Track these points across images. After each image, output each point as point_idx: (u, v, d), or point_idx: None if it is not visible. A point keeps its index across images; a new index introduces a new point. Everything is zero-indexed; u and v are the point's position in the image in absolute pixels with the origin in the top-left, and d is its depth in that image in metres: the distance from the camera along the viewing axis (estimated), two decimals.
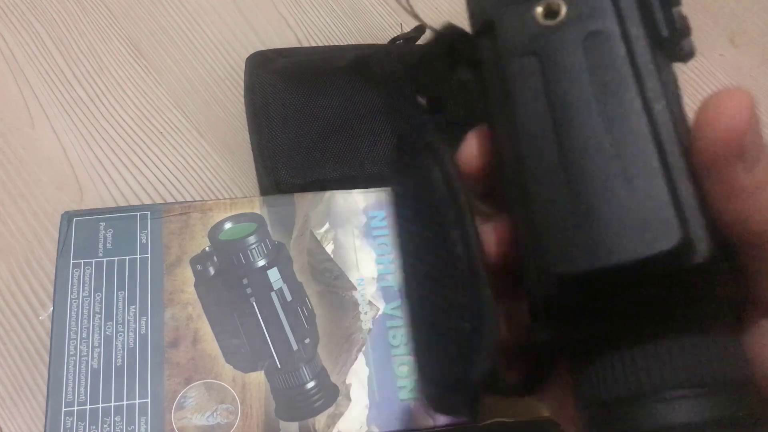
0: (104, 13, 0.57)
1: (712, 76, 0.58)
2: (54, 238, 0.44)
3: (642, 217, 0.17)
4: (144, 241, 0.42)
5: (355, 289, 0.41)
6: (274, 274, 0.42)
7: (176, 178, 0.50)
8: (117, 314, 0.40)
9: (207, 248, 0.42)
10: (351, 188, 0.44)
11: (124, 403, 0.37)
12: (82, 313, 0.39)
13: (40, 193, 0.48)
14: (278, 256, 0.42)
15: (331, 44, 0.57)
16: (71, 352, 0.38)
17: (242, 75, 0.52)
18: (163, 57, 0.55)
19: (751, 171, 0.17)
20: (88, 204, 0.48)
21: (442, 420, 0.38)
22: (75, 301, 0.40)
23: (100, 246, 0.41)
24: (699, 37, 0.60)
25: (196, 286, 0.41)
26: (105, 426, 0.37)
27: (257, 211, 0.44)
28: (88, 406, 0.37)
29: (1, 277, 0.45)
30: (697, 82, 0.58)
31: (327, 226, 0.43)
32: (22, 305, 0.45)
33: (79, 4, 0.57)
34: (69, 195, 0.49)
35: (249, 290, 0.41)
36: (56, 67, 0.54)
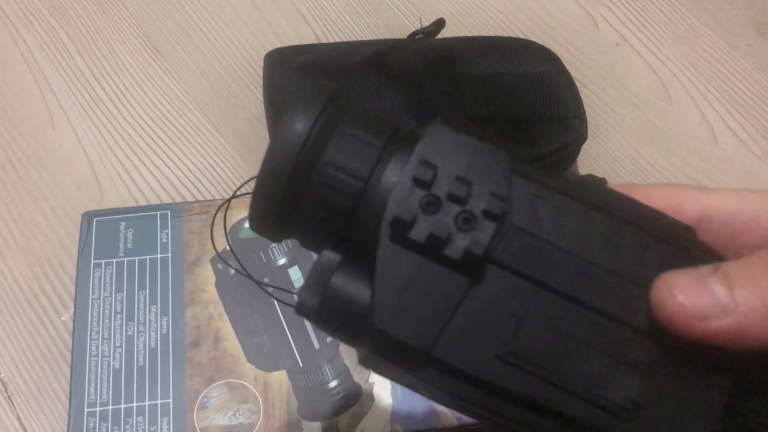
0: (123, 13, 0.57)
1: (740, 68, 0.57)
2: (75, 238, 0.44)
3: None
4: (164, 240, 0.42)
5: None
6: (295, 273, 0.41)
7: (196, 176, 0.50)
8: (138, 314, 0.39)
9: (227, 247, 0.42)
10: None
11: (146, 403, 0.37)
12: (104, 314, 0.39)
13: (61, 194, 0.48)
14: (299, 255, 0.42)
15: (350, 40, 0.57)
16: (93, 353, 0.38)
17: (261, 73, 0.51)
18: (182, 56, 0.55)
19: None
20: (109, 204, 0.48)
21: (466, 419, 0.38)
22: (96, 302, 0.40)
23: (121, 246, 0.41)
24: (726, 27, 0.59)
25: (216, 285, 0.41)
26: (127, 426, 0.37)
27: None
28: (110, 407, 0.37)
29: (23, 278, 0.45)
30: (725, 74, 0.57)
31: None
32: (44, 306, 0.45)
33: (98, 5, 0.57)
34: (89, 195, 0.48)
35: (270, 289, 0.41)
36: (76, 67, 0.54)
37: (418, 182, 0.19)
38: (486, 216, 0.18)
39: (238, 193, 0.45)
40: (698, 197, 0.22)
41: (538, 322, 0.18)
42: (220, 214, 0.43)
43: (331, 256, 0.20)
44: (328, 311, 0.20)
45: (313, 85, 0.21)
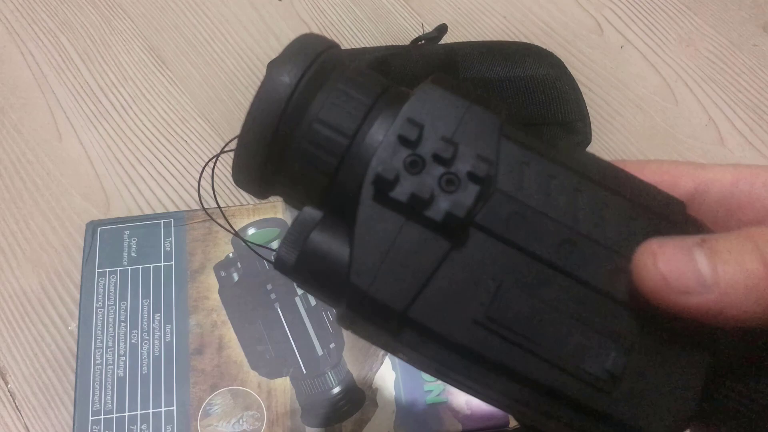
0: (128, 25, 0.57)
1: (745, 67, 0.57)
2: (81, 247, 0.44)
3: None
4: (168, 248, 0.42)
5: None
6: None
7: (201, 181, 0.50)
8: (142, 322, 0.40)
9: (231, 254, 0.42)
10: None
11: (150, 411, 0.37)
12: (108, 322, 0.39)
13: (68, 204, 0.49)
14: None
15: (353, 47, 0.57)
16: (97, 361, 0.38)
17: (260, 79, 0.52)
18: (187, 66, 0.55)
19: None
20: (115, 213, 0.48)
21: (470, 424, 0.37)
22: (100, 310, 0.40)
23: (125, 254, 0.41)
24: (731, 27, 0.59)
25: (220, 292, 0.41)
26: None
27: (280, 216, 0.43)
28: (114, 415, 0.37)
29: (31, 287, 0.46)
30: (731, 75, 0.56)
31: None
32: (51, 315, 0.45)
33: (103, 17, 0.57)
34: (96, 205, 0.49)
35: (273, 296, 0.41)
36: (82, 79, 0.54)
37: (403, 141, 0.18)
38: (470, 179, 0.18)
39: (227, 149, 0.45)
40: (694, 172, 0.22)
41: (518, 289, 0.18)
42: (223, 221, 0.43)
43: (312, 212, 0.20)
44: (305, 267, 0.19)
45: (304, 38, 0.20)
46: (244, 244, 0.42)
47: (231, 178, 0.50)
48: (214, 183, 0.50)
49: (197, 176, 0.50)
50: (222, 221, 0.42)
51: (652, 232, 0.18)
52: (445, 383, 0.38)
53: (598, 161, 0.20)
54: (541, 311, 0.18)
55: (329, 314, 0.40)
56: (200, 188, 0.41)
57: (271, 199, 0.50)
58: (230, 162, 0.48)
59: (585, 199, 0.19)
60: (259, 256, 0.41)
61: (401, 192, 0.18)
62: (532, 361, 0.18)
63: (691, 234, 0.18)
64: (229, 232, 0.42)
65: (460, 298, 0.18)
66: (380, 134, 0.19)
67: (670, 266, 0.17)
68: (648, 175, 0.21)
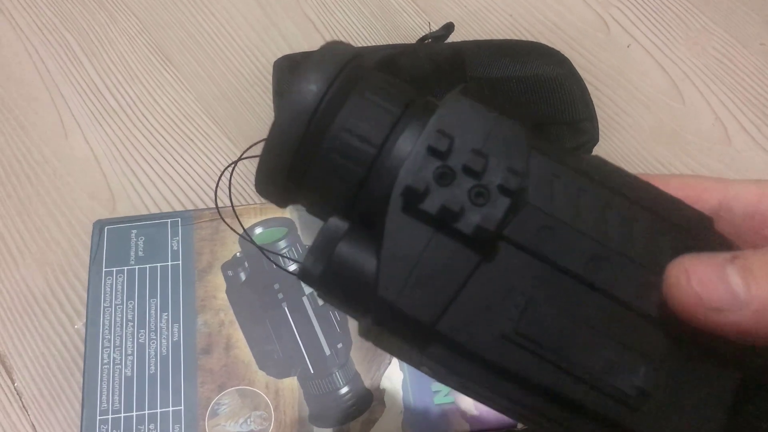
0: (133, 23, 0.57)
1: (753, 67, 0.56)
2: (88, 246, 0.44)
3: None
4: (175, 247, 0.42)
5: None
6: None
7: (207, 184, 0.50)
8: (149, 322, 0.40)
9: (238, 254, 0.42)
10: None
11: (158, 410, 0.37)
12: (115, 321, 0.39)
13: (74, 203, 0.49)
14: None
15: (359, 45, 0.57)
16: (105, 361, 0.38)
17: (271, 79, 0.51)
18: (192, 64, 0.55)
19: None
20: (121, 212, 0.48)
21: (478, 424, 0.37)
22: (108, 310, 0.40)
23: (132, 254, 0.41)
24: (739, 26, 0.59)
25: (227, 292, 0.41)
26: None
27: (287, 215, 0.43)
28: (122, 414, 0.37)
29: (37, 286, 0.46)
30: (738, 74, 0.56)
31: None
32: (58, 314, 0.45)
33: (108, 15, 0.57)
34: (102, 203, 0.49)
35: (281, 295, 0.41)
36: (87, 77, 0.54)
37: (433, 152, 0.18)
38: (501, 191, 0.18)
39: (246, 155, 0.45)
40: (718, 187, 0.22)
41: (548, 304, 0.18)
42: (230, 220, 0.43)
43: (338, 223, 0.19)
44: (331, 279, 0.19)
45: (330, 46, 0.20)
46: (251, 243, 0.42)
47: (239, 180, 0.50)
48: (222, 183, 0.50)
49: (203, 174, 0.50)
50: (235, 224, 0.42)
51: (682, 247, 0.18)
52: None
53: (626, 175, 0.20)
54: (571, 327, 0.18)
55: (337, 314, 0.40)
56: (217, 190, 0.41)
57: None
58: (241, 163, 0.47)
59: (614, 214, 0.19)
60: (271, 261, 0.41)
61: (431, 204, 0.18)
62: (561, 377, 0.18)
63: (721, 251, 0.18)
64: (242, 236, 0.42)
65: (490, 312, 0.18)
66: (408, 145, 0.19)
67: (703, 283, 0.17)
68: (672, 190, 0.21)
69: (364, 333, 0.20)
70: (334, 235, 0.19)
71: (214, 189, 0.50)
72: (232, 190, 0.50)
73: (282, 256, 0.42)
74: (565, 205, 0.18)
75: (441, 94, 0.47)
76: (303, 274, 0.19)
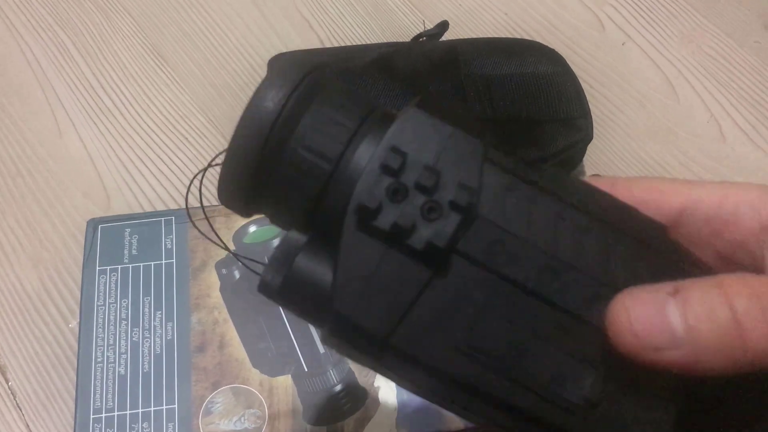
0: (128, 22, 0.57)
1: (747, 65, 0.57)
2: (82, 245, 0.44)
3: None
4: (169, 246, 0.42)
5: None
6: None
7: (203, 182, 0.50)
8: (143, 320, 0.40)
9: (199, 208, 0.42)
10: None
11: (152, 409, 0.37)
12: (109, 320, 0.39)
13: (68, 201, 0.49)
14: None
15: (354, 44, 0.57)
16: (98, 359, 0.38)
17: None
18: (187, 63, 0.55)
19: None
20: (116, 210, 0.48)
21: (472, 423, 0.37)
22: (102, 308, 0.40)
23: (126, 252, 0.41)
24: (733, 24, 0.59)
25: (221, 290, 0.41)
26: None
27: None
28: (116, 413, 0.37)
29: (31, 285, 0.46)
30: (733, 72, 0.56)
31: None
32: (52, 313, 0.45)
33: (103, 14, 0.57)
34: (96, 202, 0.49)
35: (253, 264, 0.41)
36: (82, 76, 0.54)
37: (385, 169, 0.18)
38: (452, 207, 0.18)
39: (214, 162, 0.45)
40: (681, 190, 0.22)
41: (499, 316, 0.18)
42: (224, 219, 0.43)
43: (296, 236, 0.20)
44: (289, 291, 0.19)
45: (289, 60, 0.20)
46: (243, 241, 0.42)
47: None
48: (207, 191, 0.50)
49: (198, 173, 0.50)
50: (219, 229, 0.42)
51: (634, 258, 0.19)
52: None
53: (582, 185, 0.20)
54: (521, 338, 0.18)
55: None
56: (188, 196, 0.41)
57: None
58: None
59: (567, 225, 0.19)
60: (249, 269, 0.41)
61: (383, 221, 0.18)
62: (511, 387, 0.18)
63: (674, 261, 0.18)
64: (217, 244, 0.42)
65: (441, 325, 0.18)
66: (364, 159, 0.19)
67: (641, 323, 0.17)
68: (637, 193, 0.21)
69: (324, 340, 0.20)
70: (293, 247, 0.19)
71: (207, 190, 0.49)
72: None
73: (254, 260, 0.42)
74: (517, 217, 0.19)
75: (436, 90, 0.47)
76: (263, 287, 0.20)
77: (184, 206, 0.48)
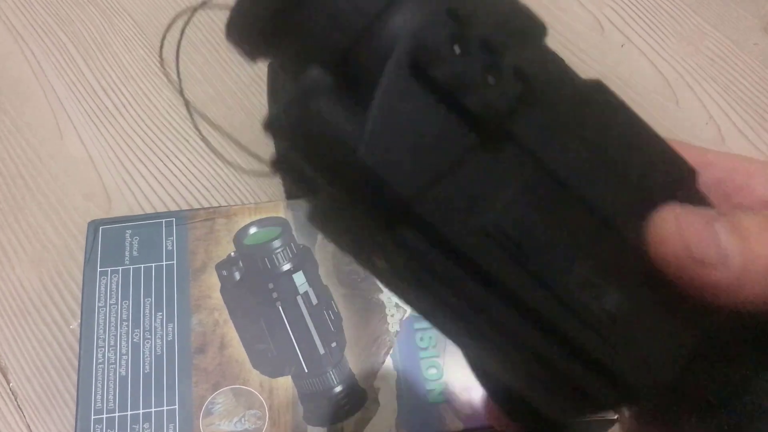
0: (129, 24, 0.57)
1: (746, 67, 0.57)
2: (83, 247, 0.45)
3: None
4: (170, 247, 0.42)
5: (382, 291, 0.41)
6: (299, 278, 0.41)
7: (202, 184, 0.50)
8: (144, 321, 0.40)
9: (232, 253, 0.42)
10: None
11: (153, 410, 0.37)
12: (110, 321, 0.40)
13: (69, 203, 0.49)
14: (303, 260, 0.42)
15: None
16: (99, 360, 0.39)
17: (265, 80, 0.52)
18: (188, 65, 0.55)
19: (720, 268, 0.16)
20: (116, 212, 0.48)
21: (471, 423, 0.37)
22: (102, 309, 0.40)
23: (126, 254, 0.41)
24: (732, 26, 0.59)
25: (222, 291, 0.41)
26: None
27: (282, 215, 0.43)
28: (117, 414, 0.37)
29: (32, 287, 0.46)
30: (732, 74, 0.56)
31: None
32: (53, 315, 0.45)
33: (104, 16, 0.57)
34: (97, 204, 0.49)
35: (275, 295, 0.41)
36: (83, 78, 0.54)
37: (452, 14, 0.16)
38: (516, 75, 0.16)
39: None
40: (695, 152, 0.21)
41: (535, 208, 0.17)
42: (225, 220, 0.43)
43: (319, 74, 0.16)
44: (301, 131, 0.16)
45: None
46: (245, 243, 0.42)
47: (234, 179, 0.50)
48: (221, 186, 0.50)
49: (198, 175, 0.50)
50: (231, 223, 0.42)
51: (670, 192, 0.17)
52: (442, 383, 0.38)
53: (627, 107, 0.19)
54: (552, 234, 0.17)
55: (331, 313, 0.40)
56: (163, 44, 0.40)
57: (273, 197, 0.50)
58: (229, 156, 0.47)
59: (618, 133, 0.18)
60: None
61: (442, 71, 0.16)
62: (531, 285, 0.16)
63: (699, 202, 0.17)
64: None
65: (473, 201, 0.16)
66: (410, 13, 0.16)
67: (693, 234, 0.16)
68: None
69: (310, 217, 0.18)
70: (313, 87, 0.16)
71: (208, 192, 0.50)
72: (226, 188, 0.50)
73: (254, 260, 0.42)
74: (571, 112, 0.17)
75: None
76: (270, 125, 0.17)
77: (184, 208, 0.48)
